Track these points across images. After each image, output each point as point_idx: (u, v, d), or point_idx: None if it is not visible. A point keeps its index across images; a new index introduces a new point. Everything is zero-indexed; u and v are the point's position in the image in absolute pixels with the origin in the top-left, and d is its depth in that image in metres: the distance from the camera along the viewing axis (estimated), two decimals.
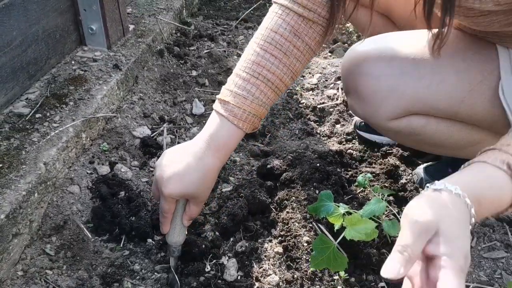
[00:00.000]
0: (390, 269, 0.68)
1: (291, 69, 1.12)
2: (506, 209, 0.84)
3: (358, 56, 1.27)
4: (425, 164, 1.57)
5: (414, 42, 1.22)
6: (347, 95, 1.35)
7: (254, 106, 1.09)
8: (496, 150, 0.84)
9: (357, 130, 1.75)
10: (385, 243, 1.29)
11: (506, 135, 0.89)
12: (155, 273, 1.25)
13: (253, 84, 1.09)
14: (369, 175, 1.48)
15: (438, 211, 0.73)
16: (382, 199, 1.25)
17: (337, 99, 1.98)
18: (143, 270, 1.26)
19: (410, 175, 1.57)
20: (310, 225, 1.35)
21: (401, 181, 1.54)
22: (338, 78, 2.10)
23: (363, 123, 1.74)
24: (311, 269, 1.23)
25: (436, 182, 0.79)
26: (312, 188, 1.43)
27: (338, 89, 2.04)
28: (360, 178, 1.44)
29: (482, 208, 0.79)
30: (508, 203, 0.82)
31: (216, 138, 1.08)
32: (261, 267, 1.27)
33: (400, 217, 0.82)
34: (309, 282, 1.22)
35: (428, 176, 1.51)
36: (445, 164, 1.54)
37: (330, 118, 1.89)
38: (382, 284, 1.24)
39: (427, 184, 0.81)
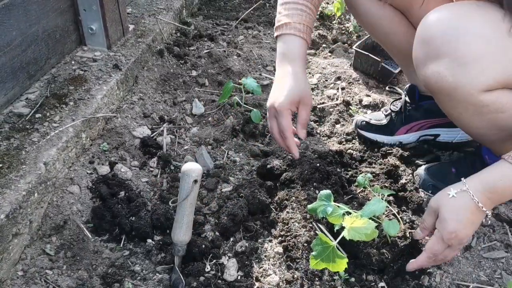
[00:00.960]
0: (416, 234, 1.27)
1: None
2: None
3: (456, 14, 1.13)
4: (426, 165, 1.57)
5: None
6: (431, 61, 1.17)
7: (308, 20, 1.37)
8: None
9: (358, 130, 1.75)
10: (385, 243, 1.29)
11: None
12: (157, 274, 1.25)
13: (302, 4, 1.37)
14: (369, 175, 1.48)
15: (440, 201, 1.16)
16: (382, 199, 1.25)
17: (337, 99, 1.98)
18: (144, 271, 1.26)
19: (410, 175, 1.57)
20: (310, 225, 1.35)
21: (401, 181, 1.54)
22: (338, 78, 2.10)
23: (364, 122, 1.74)
24: (311, 269, 1.23)
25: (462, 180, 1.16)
26: (312, 188, 1.43)
27: (338, 89, 2.04)
28: (360, 178, 1.44)
29: (495, 195, 1.11)
30: None
31: (290, 53, 1.35)
32: (261, 267, 1.27)
33: (400, 217, 1.13)
34: (309, 282, 1.22)
35: (429, 177, 1.51)
36: (447, 165, 1.53)
37: (330, 118, 1.88)
38: (382, 284, 1.24)
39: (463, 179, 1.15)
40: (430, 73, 1.17)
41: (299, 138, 1.43)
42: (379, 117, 1.76)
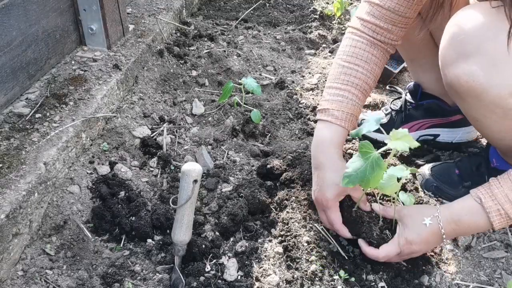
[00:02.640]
0: (374, 206, 1.31)
1: (372, 72, 1.37)
2: (489, 230, 1.18)
3: (488, 14, 1.09)
4: (430, 165, 1.55)
5: None
6: (463, 60, 1.12)
7: (349, 107, 1.32)
8: (487, 184, 1.18)
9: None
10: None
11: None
12: (157, 274, 1.25)
13: (345, 89, 1.33)
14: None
15: (413, 213, 1.24)
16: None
17: None
18: (144, 271, 1.26)
19: (410, 174, 1.57)
20: (310, 225, 1.35)
21: (401, 180, 1.54)
22: None
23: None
24: (310, 269, 1.23)
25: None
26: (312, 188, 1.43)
27: None
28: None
29: (460, 227, 1.19)
30: (486, 228, 1.18)
31: (326, 141, 1.31)
32: (261, 267, 1.27)
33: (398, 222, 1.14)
34: (309, 282, 1.22)
35: (433, 178, 1.50)
36: (452, 166, 1.52)
37: None
38: (382, 284, 1.24)
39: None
40: (461, 72, 1.12)
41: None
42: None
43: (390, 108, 1.74)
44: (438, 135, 1.69)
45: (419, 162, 1.63)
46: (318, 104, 1.35)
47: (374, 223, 1.26)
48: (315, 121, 1.38)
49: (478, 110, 1.18)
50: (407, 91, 1.73)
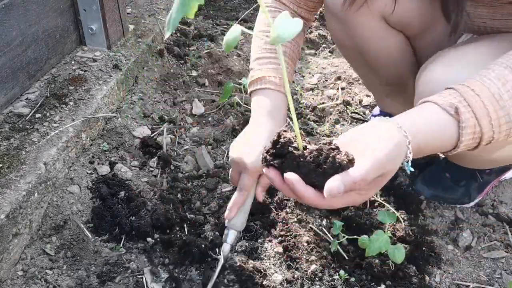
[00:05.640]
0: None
1: (295, 40, 1.29)
2: (449, 152, 0.88)
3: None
4: (419, 177, 1.51)
5: None
6: None
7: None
8: (453, 90, 0.86)
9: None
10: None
11: (476, 74, 0.88)
12: (163, 274, 1.25)
13: (275, 57, 1.23)
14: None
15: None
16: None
17: (337, 99, 1.98)
18: (142, 270, 1.26)
19: (405, 174, 1.57)
20: (310, 225, 1.35)
21: (396, 181, 1.54)
22: (338, 78, 2.10)
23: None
24: (311, 269, 1.23)
25: (384, 118, 0.86)
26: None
27: (338, 89, 2.04)
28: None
29: (421, 148, 0.84)
30: (451, 147, 0.87)
31: (266, 109, 1.17)
32: (261, 266, 1.27)
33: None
34: (309, 282, 1.22)
35: (427, 187, 1.48)
36: (439, 171, 1.50)
37: (330, 118, 1.88)
38: (382, 285, 1.24)
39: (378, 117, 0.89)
40: None
41: None
42: None
43: None
44: None
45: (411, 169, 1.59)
46: (251, 77, 1.23)
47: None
48: (250, 94, 1.23)
49: None
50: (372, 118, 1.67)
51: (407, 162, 0.82)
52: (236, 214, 1.16)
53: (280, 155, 0.78)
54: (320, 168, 0.76)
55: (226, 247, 1.20)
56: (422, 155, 0.86)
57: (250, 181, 1.13)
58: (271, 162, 0.79)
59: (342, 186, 0.73)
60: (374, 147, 0.78)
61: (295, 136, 0.78)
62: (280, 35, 0.69)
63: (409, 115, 0.85)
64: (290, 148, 0.77)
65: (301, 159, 0.76)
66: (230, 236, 1.19)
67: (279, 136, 0.79)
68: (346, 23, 1.31)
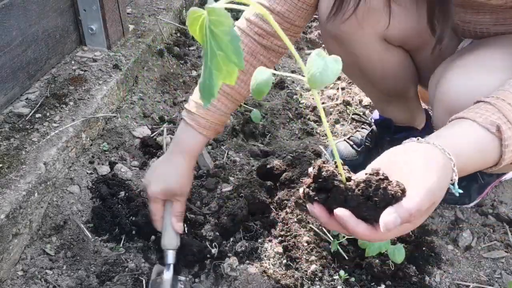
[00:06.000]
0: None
1: (248, 83, 1.22)
2: (489, 168, 0.87)
3: None
4: None
5: None
6: None
7: (216, 116, 1.23)
8: (490, 106, 0.83)
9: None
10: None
11: (506, 83, 0.86)
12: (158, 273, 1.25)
13: (216, 98, 1.21)
14: None
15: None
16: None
17: (337, 99, 1.98)
18: (143, 270, 1.26)
19: None
20: (310, 225, 1.35)
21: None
22: (338, 78, 2.10)
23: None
24: (311, 268, 1.23)
25: (421, 139, 0.81)
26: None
27: (338, 89, 2.04)
28: None
29: (464, 169, 0.81)
30: (492, 164, 0.85)
31: (183, 143, 1.25)
32: (261, 266, 1.27)
33: None
34: (309, 282, 1.22)
35: None
36: None
37: (330, 118, 1.89)
38: (382, 285, 1.24)
39: (412, 138, 0.83)
40: None
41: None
42: (351, 154, 1.64)
43: (365, 143, 1.64)
44: None
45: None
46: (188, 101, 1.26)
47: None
48: (180, 119, 1.28)
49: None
50: (373, 122, 1.65)
51: (453, 184, 0.79)
52: (163, 235, 1.24)
53: (323, 189, 0.73)
54: (371, 200, 0.71)
55: (167, 269, 1.21)
56: (465, 174, 0.83)
57: (154, 207, 1.24)
58: (315, 198, 0.74)
59: (398, 219, 0.69)
60: (423, 175, 0.74)
61: (336, 167, 0.73)
62: (317, 80, 0.58)
63: (449, 135, 0.82)
64: (335, 181, 0.72)
65: (349, 193, 0.72)
66: (168, 256, 1.23)
67: (320, 168, 0.73)
68: (343, 41, 1.29)
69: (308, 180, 0.75)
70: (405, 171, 0.75)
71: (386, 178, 0.72)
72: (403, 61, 1.36)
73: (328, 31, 1.29)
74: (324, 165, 0.74)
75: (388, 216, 0.69)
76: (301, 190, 0.77)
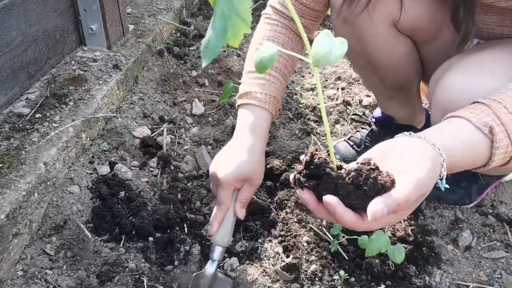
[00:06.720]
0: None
1: (290, 56, 1.28)
2: (477, 169, 0.88)
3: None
4: None
5: None
6: None
7: (272, 89, 1.23)
8: (485, 107, 0.85)
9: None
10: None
11: (503, 87, 0.88)
12: (163, 275, 1.25)
13: (266, 73, 1.18)
14: None
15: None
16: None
17: (337, 99, 1.98)
18: (143, 270, 1.26)
19: None
20: (310, 225, 1.35)
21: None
22: (338, 78, 2.10)
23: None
24: (311, 268, 1.23)
25: (413, 133, 0.83)
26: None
27: (338, 89, 2.04)
28: None
29: (453, 166, 0.83)
30: (481, 165, 0.87)
31: (249, 125, 1.19)
32: (261, 266, 1.27)
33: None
34: (309, 282, 1.22)
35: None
36: None
37: (330, 118, 1.89)
38: (382, 285, 1.24)
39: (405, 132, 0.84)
40: None
41: None
42: (352, 154, 1.64)
43: (364, 143, 1.64)
44: None
45: None
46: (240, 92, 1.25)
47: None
48: (238, 107, 1.25)
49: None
50: (374, 120, 1.65)
51: (441, 179, 0.80)
52: (217, 229, 1.15)
53: (314, 176, 0.74)
54: (360, 189, 0.71)
55: (210, 264, 1.17)
56: (454, 171, 0.84)
57: (225, 195, 1.14)
58: (306, 184, 0.75)
59: (386, 209, 0.69)
60: (413, 167, 0.75)
61: (328, 155, 0.74)
62: (321, 59, 0.59)
63: (440, 132, 0.84)
64: (327, 169, 0.73)
65: (340, 181, 0.72)
66: (215, 252, 1.17)
67: (312, 155, 0.74)
68: (354, 27, 1.29)
69: (299, 167, 0.77)
70: (395, 163, 0.77)
71: (377, 168, 0.73)
72: (410, 52, 1.36)
73: (340, 12, 1.29)
74: (316, 152, 0.75)
75: (376, 206, 0.70)
76: (291, 175, 0.78)
